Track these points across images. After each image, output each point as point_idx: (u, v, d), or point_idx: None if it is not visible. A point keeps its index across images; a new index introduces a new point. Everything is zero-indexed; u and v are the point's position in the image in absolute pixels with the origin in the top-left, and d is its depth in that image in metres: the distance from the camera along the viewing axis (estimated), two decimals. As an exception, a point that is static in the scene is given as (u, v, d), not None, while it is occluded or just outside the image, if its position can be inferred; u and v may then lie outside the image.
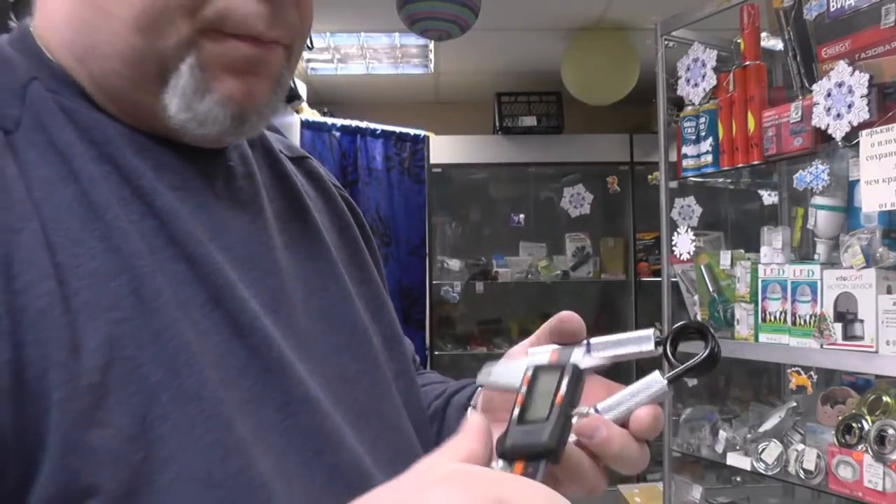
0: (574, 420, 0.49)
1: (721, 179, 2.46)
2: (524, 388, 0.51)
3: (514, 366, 0.56)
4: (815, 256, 1.95)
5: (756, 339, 1.98)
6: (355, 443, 0.55)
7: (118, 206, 0.50)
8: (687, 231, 2.24)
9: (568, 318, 0.57)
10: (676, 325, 0.55)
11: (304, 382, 0.53)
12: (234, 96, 0.53)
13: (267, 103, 0.56)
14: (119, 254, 0.48)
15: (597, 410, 0.52)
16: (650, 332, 0.55)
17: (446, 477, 0.40)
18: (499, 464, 0.46)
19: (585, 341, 0.56)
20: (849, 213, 1.88)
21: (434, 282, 4.49)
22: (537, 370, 0.52)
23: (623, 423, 0.51)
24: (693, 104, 2.20)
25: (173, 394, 0.46)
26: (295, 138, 3.40)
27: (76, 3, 0.52)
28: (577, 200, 4.40)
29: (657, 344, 0.54)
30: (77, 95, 0.53)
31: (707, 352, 0.53)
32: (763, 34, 2.10)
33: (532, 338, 0.60)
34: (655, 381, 0.53)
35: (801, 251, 2.10)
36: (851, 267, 1.71)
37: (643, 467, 0.52)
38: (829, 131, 1.74)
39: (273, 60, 0.55)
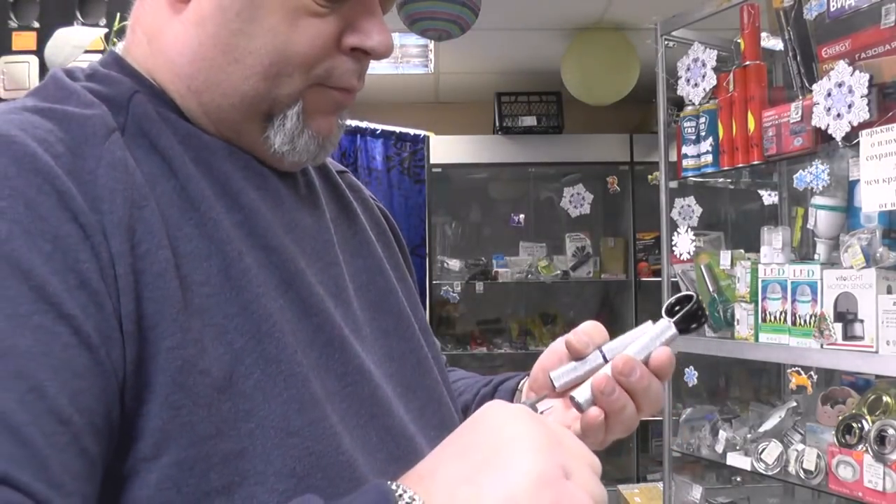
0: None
1: (721, 179, 2.46)
2: None
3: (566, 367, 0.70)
4: (815, 256, 1.95)
5: (756, 339, 1.98)
6: (402, 411, 0.65)
7: (211, 200, 0.59)
8: (687, 231, 2.24)
9: (561, 345, 0.70)
10: (674, 297, 0.69)
11: (360, 357, 0.63)
12: (322, 131, 0.66)
13: (338, 134, 0.69)
14: (211, 240, 0.57)
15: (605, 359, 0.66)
16: (647, 322, 0.68)
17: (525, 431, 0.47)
18: None
19: (598, 350, 0.68)
20: (849, 213, 1.88)
21: (434, 282, 4.49)
22: None
23: (644, 363, 0.65)
24: (693, 104, 2.20)
25: (256, 357, 0.55)
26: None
27: (204, 47, 0.62)
28: (577, 200, 4.40)
29: (657, 317, 0.67)
30: (171, 110, 0.63)
31: (694, 303, 0.66)
32: (763, 34, 2.10)
33: (555, 360, 0.72)
34: (668, 327, 0.65)
35: (801, 251, 2.10)
36: (851, 267, 1.71)
37: (660, 406, 0.66)
38: (829, 131, 1.74)
39: (349, 103, 0.68)
